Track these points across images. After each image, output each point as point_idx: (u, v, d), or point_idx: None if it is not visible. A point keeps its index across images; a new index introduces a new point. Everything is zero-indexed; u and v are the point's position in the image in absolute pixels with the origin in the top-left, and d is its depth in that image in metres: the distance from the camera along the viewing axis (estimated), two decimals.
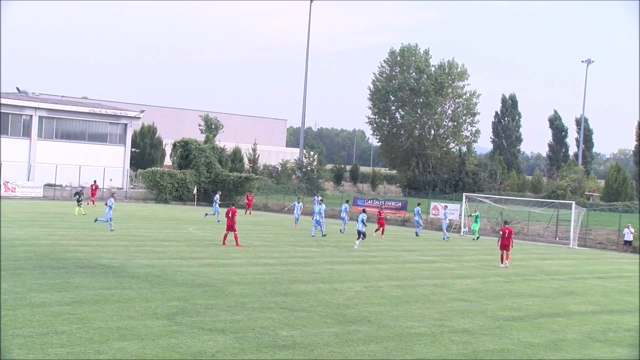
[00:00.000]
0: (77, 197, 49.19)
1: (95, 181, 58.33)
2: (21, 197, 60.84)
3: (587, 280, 28.92)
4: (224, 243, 32.62)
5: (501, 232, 32.42)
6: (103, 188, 57.60)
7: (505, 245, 31.55)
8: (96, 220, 38.00)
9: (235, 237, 32.57)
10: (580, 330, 18.32)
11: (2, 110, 68.75)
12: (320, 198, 50.32)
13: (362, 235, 35.71)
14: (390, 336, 16.10)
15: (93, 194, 56.55)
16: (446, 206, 49.09)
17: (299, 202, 48.51)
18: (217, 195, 52.01)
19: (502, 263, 31.67)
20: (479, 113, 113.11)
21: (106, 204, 37.15)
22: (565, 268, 33.08)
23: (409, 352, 14.83)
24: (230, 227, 32.60)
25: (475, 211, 47.78)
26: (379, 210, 46.58)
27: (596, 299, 23.94)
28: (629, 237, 46.31)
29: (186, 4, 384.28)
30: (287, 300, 19.75)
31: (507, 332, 17.39)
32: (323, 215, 41.68)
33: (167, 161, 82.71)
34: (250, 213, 57.24)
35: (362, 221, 35.71)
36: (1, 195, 57.36)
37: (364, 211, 37.48)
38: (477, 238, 45.97)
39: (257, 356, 13.72)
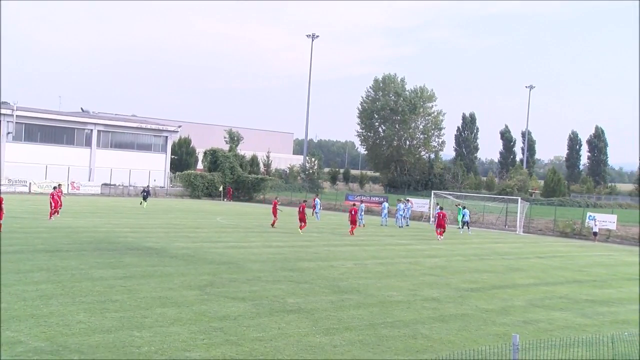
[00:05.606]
0: (144, 194, 49.64)
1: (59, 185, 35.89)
2: (84, 194, 60.78)
3: (530, 259, 28.88)
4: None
5: (436, 215, 35.47)
6: (149, 186, 57.23)
7: (440, 225, 34.45)
8: None
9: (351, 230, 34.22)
10: (524, 299, 18.31)
11: (70, 126, 68.90)
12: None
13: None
14: (374, 303, 16.09)
15: (55, 204, 32.83)
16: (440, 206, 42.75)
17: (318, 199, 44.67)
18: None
19: (439, 237, 34.09)
20: (445, 127, 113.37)
21: None
22: (513, 250, 33.00)
23: (389, 315, 14.83)
24: (353, 222, 34.37)
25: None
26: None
27: (537, 274, 23.92)
28: (596, 229, 42.61)
29: (212, 42, 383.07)
30: (293, 274, 19.73)
31: (467, 300, 17.38)
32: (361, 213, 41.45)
33: (199, 166, 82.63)
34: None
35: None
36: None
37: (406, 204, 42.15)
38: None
39: (270, 319, 13.71)
